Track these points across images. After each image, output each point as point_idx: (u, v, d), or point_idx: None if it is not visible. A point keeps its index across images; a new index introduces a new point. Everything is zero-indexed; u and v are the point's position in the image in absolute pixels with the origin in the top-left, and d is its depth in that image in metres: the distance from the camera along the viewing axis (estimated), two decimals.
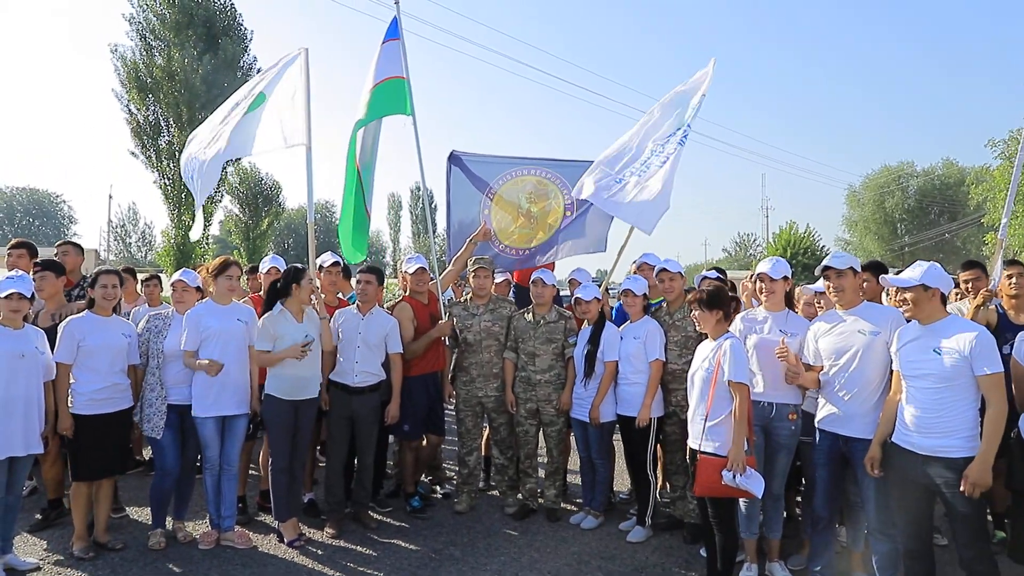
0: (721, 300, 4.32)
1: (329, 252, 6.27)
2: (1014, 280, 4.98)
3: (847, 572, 4.51)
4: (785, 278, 4.61)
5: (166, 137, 31.79)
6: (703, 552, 4.73)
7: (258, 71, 33.71)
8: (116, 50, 31.48)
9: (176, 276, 5.34)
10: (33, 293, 4.64)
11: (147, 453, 6.59)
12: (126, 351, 4.91)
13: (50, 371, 4.68)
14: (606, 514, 5.61)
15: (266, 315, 5.10)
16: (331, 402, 5.38)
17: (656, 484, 5.33)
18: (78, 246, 6.67)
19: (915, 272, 3.73)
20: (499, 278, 6.42)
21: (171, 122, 31.46)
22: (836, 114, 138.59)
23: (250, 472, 6.01)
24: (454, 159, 6.31)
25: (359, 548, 5.07)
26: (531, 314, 5.72)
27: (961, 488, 3.43)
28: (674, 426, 5.23)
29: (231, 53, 32.40)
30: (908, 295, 3.72)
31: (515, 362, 5.71)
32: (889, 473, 3.84)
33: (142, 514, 5.53)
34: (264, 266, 6.02)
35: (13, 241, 6.15)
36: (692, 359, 4.56)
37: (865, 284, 4.82)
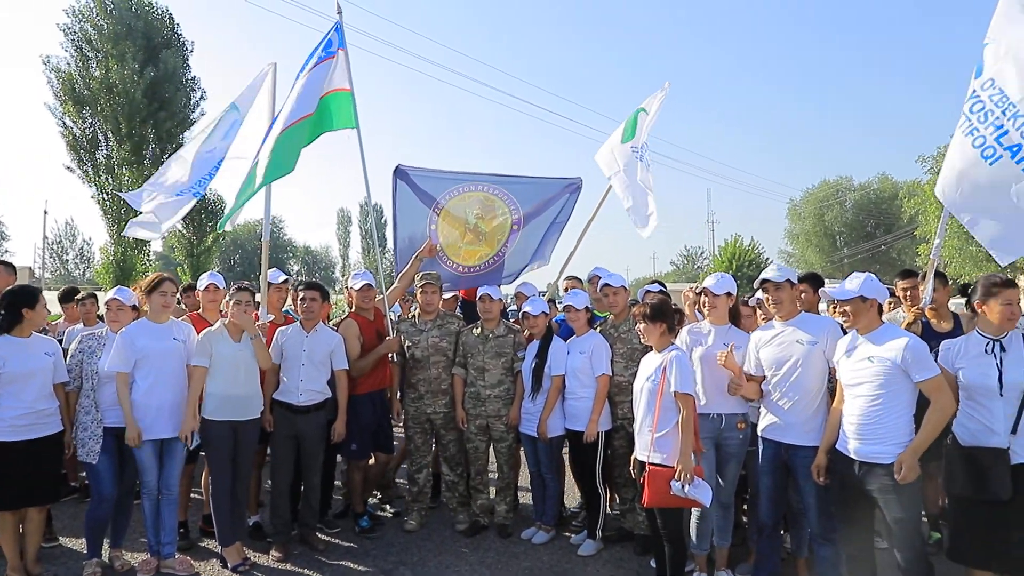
0: (665, 313, 4.40)
1: (275, 268, 6.16)
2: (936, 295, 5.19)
3: None
4: (728, 294, 4.71)
5: (104, 151, 30.84)
6: (653, 563, 4.76)
7: (192, 79, 33.20)
8: (48, 62, 30.45)
9: (110, 294, 5.14)
10: None
11: (82, 478, 6.33)
12: (51, 371, 4.67)
13: None
14: (557, 528, 5.61)
15: (204, 331, 4.99)
16: (275, 422, 5.25)
17: (605, 497, 5.35)
18: (9, 265, 6.39)
19: (853, 284, 3.87)
20: (447, 294, 6.40)
21: (109, 135, 30.51)
22: (780, 128, 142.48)
23: (192, 496, 5.83)
24: (400, 174, 6.25)
25: (307, 571, 4.96)
26: (479, 328, 5.71)
27: (896, 476, 3.54)
28: (621, 439, 5.27)
29: (172, 65, 31.66)
30: (847, 307, 3.85)
31: (464, 378, 5.69)
32: (831, 479, 3.95)
33: (77, 543, 5.31)
34: (202, 283, 5.86)
35: None
36: (637, 371, 4.61)
37: (803, 295, 4.98)
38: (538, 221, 6.48)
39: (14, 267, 6.47)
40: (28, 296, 4.65)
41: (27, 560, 4.70)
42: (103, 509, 4.81)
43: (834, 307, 4.71)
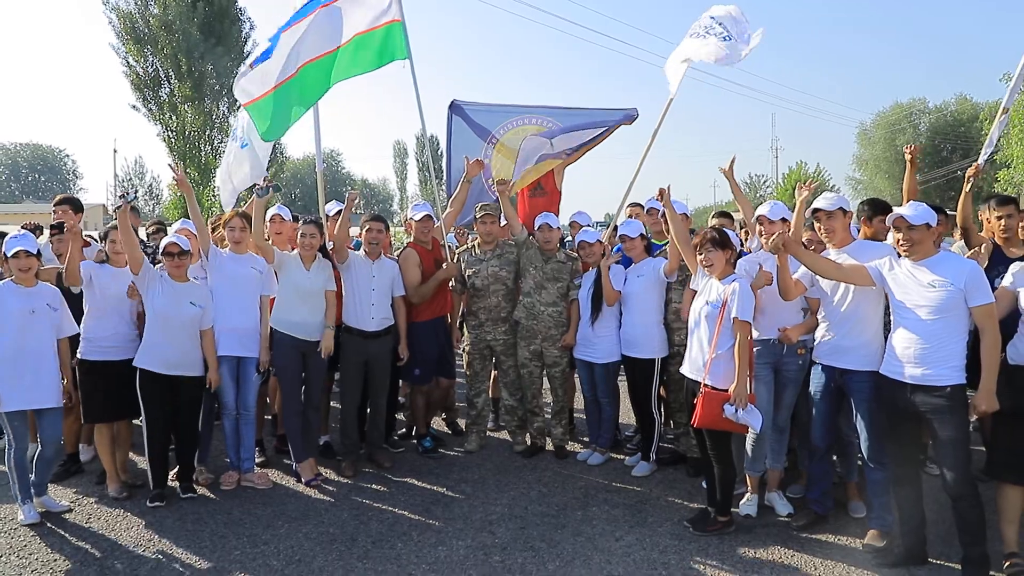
0: (729, 241, 4.40)
1: (334, 201, 6.31)
2: (1003, 222, 5.01)
3: (843, 500, 4.69)
4: (784, 220, 4.65)
5: (166, 89, 31.56)
6: (704, 484, 4.90)
7: (240, 10, 33.17)
8: (108, 2, 30.96)
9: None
10: (39, 250, 4.72)
11: None
12: (136, 301, 5.01)
13: (62, 329, 4.78)
14: (612, 451, 5.80)
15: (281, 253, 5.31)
16: (346, 348, 5.47)
17: (660, 421, 5.49)
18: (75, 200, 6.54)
19: (918, 211, 3.77)
20: (503, 222, 6.47)
21: (171, 73, 31.12)
22: (848, 51, 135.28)
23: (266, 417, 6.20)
24: (455, 108, 6.29)
25: (374, 486, 5.28)
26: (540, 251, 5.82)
27: (972, 417, 3.63)
28: (677, 365, 5.34)
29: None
30: (913, 234, 3.76)
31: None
32: (880, 404, 3.99)
33: None
34: (268, 215, 6.06)
35: (58, 197, 6.16)
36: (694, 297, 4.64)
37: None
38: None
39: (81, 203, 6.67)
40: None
41: (116, 468, 5.12)
42: None
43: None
